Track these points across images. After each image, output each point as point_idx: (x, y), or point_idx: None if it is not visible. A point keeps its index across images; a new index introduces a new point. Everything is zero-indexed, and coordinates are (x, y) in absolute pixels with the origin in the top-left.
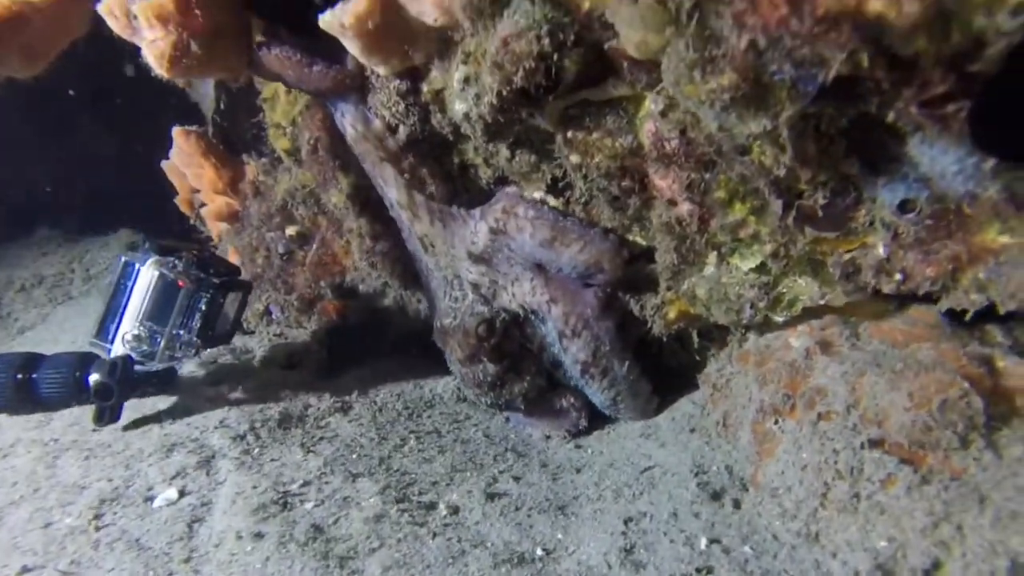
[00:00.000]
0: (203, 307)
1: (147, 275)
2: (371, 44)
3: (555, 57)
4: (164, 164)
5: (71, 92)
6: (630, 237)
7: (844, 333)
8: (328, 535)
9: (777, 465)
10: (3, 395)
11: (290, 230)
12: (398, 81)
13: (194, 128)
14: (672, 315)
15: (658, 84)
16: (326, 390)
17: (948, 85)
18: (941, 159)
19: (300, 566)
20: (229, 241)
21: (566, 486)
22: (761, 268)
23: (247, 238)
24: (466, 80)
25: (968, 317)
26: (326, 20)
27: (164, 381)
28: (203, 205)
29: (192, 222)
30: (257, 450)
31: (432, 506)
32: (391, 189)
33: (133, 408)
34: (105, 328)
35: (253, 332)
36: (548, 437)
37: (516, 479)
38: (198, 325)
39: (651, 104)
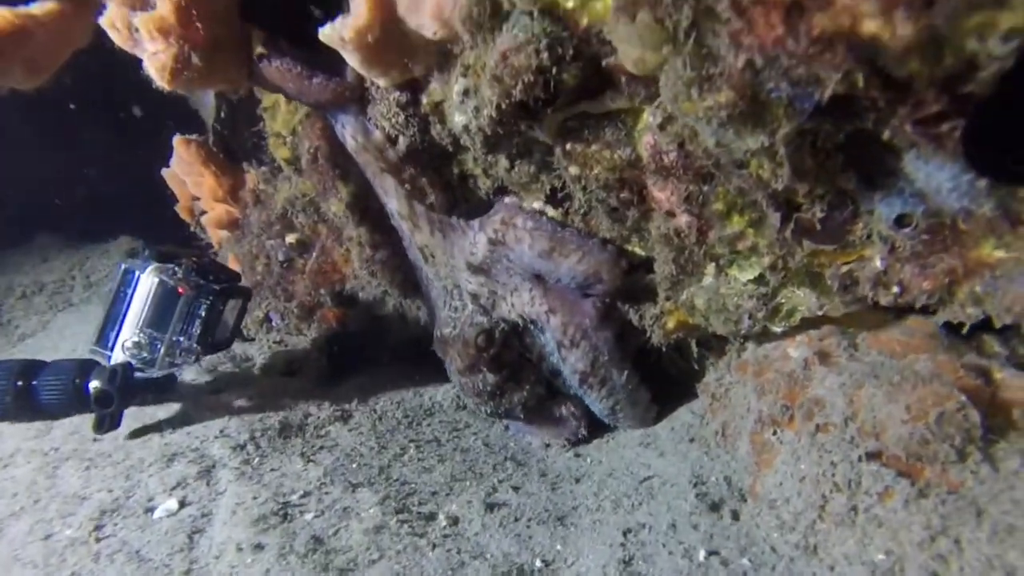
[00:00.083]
0: (203, 314)
1: (147, 282)
2: (371, 57)
3: (554, 71)
4: (164, 172)
5: (72, 106)
6: (629, 247)
7: (842, 343)
8: (328, 546)
9: (775, 476)
10: (2, 402)
11: (290, 238)
12: (398, 93)
13: (194, 137)
14: (671, 325)
15: (656, 98)
16: (326, 398)
17: (942, 105)
18: (936, 175)
19: None
20: (229, 248)
21: (565, 496)
22: (759, 279)
23: (247, 246)
24: (465, 93)
25: (965, 330)
26: (326, 34)
27: (164, 388)
28: (203, 213)
29: (192, 229)
30: (257, 460)
31: (432, 516)
32: (392, 199)
33: (133, 417)
34: (105, 335)
35: (253, 339)
36: (547, 445)
37: (515, 489)
38: (198, 332)
39: (649, 117)
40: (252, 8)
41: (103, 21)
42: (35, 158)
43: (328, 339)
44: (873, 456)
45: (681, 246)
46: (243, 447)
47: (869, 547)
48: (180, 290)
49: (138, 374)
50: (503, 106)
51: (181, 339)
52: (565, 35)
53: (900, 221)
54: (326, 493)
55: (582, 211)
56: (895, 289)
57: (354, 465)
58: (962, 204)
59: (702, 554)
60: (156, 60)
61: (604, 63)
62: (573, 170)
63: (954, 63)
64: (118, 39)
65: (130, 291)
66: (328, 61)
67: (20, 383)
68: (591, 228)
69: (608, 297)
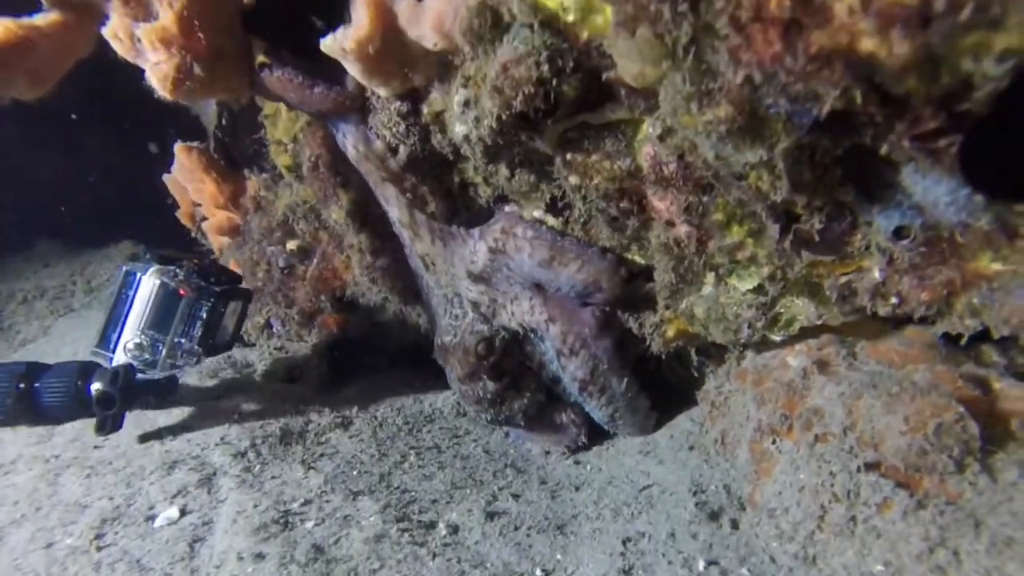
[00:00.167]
0: (204, 315)
1: (148, 284)
2: (372, 67)
3: (554, 82)
4: (165, 178)
5: (74, 116)
6: (629, 256)
7: (841, 353)
8: (329, 555)
9: (774, 486)
10: (4, 404)
11: (291, 244)
12: (399, 103)
13: (196, 144)
14: (671, 333)
15: (656, 110)
16: (326, 404)
17: (939, 121)
18: (934, 189)
19: None
20: (230, 255)
21: (565, 504)
22: (759, 289)
23: (248, 252)
24: (466, 103)
25: (963, 341)
26: (327, 44)
27: (166, 390)
28: (204, 219)
29: (193, 235)
30: (258, 467)
31: (432, 525)
32: (393, 208)
33: (134, 423)
34: (107, 337)
35: (254, 345)
36: (547, 452)
37: (515, 497)
38: (199, 333)
39: (649, 128)
40: (254, 18)
41: (106, 32)
42: (36, 164)
43: (329, 345)
44: (872, 467)
45: (681, 255)
46: (244, 454)
47: (868, 558)
48: (181, 292)
49: (140, 376)
50: (503, 117)
51: (182, 341)
52: (565, 47)
53: (898, 233)
54: (327, 501)
55: (582, 220)
56: (893, 300)
57: (355, 472)
58: (960, 218)
59: (701, 564)
60: (158, 70)
61: (604, 77)
62: (573, 180)
63: (950, 81)
64: (121, 49)
65: (132, 293)
66: (329, 70)
67: (22, 385)
68: (591, 237)
69: (608, 306)
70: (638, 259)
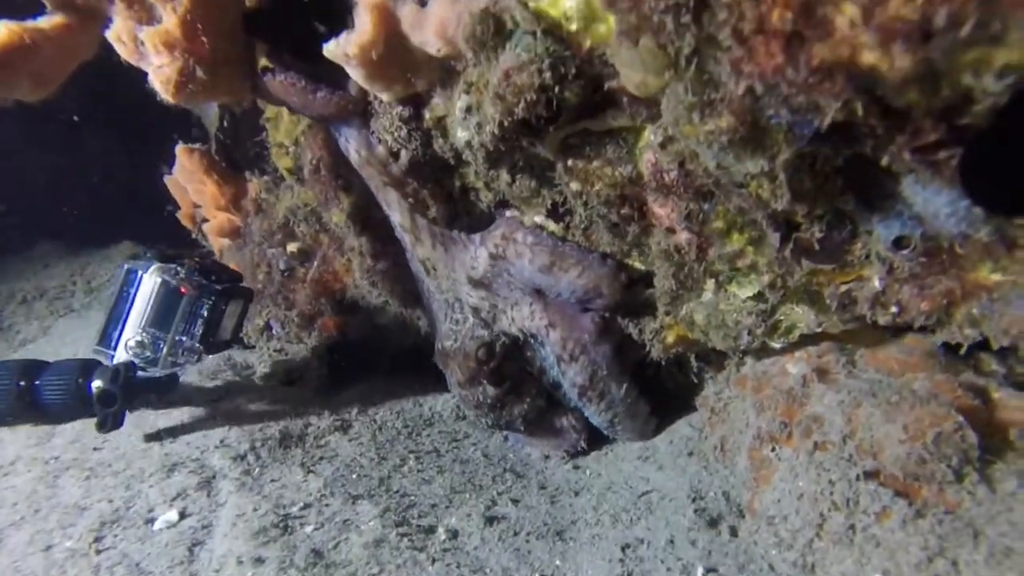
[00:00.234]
0: (205, 313)
1: (150, 282)
2: (374, 72)
3: (556, 89)
4: (167, 179)
5: (76, 118)
6: (629, 262)
7: (841, 360)
8: (328, 560)
9: (773, 493)
10: (5, 402)
11: (291, 247)
12: (401, 107)
13: (197, 146)
14: (670, 339)
15: (658, 118)
16: (326, 407)
17: (940, 134)
18: (934, 200)
19: None
20: (230, 256)
21: (564, 510)
22: (759, 296)
23: (248, 254)
24: (468, 109)
25: (963, 351)
26: (330, 49)
27: (167, 388)
28: (205, 220)
29: (194, 236)
30: (257, 470)
31: (431, 530)
32: (395, 212)
33: (135, 425)
34: (108, 335)
35: (254, 347)
36: (547, 457)
37: (515, 502)
38: (200, 331)
39: (651, 135)
40: (256, 22)
41: (110, 35)
42: (37, 164)
43: (328, 348)
44: (871, 475)
45: (681, 262)
46: (243, 457)
47: (867, 567)
48: (183, 290)
49: (141, 373)
50: (505, 123)
51: (184, 339)
52: (568, 55)
53: (898, 243)
54: (326, 505)
55: (583, 226)
56: (893, 309)
57: (354, 476)
58: (960, 229)
59: (700, 571)
60: (161, 74)
61: (606, 86)
62: (574, 186)
63: (951, 95)
64: (124, 53)
65: (133, 291)
66: (331, 74)
67: (23, 383)
68: (592, 242)
69: (608, 311)
70: (638, 265)
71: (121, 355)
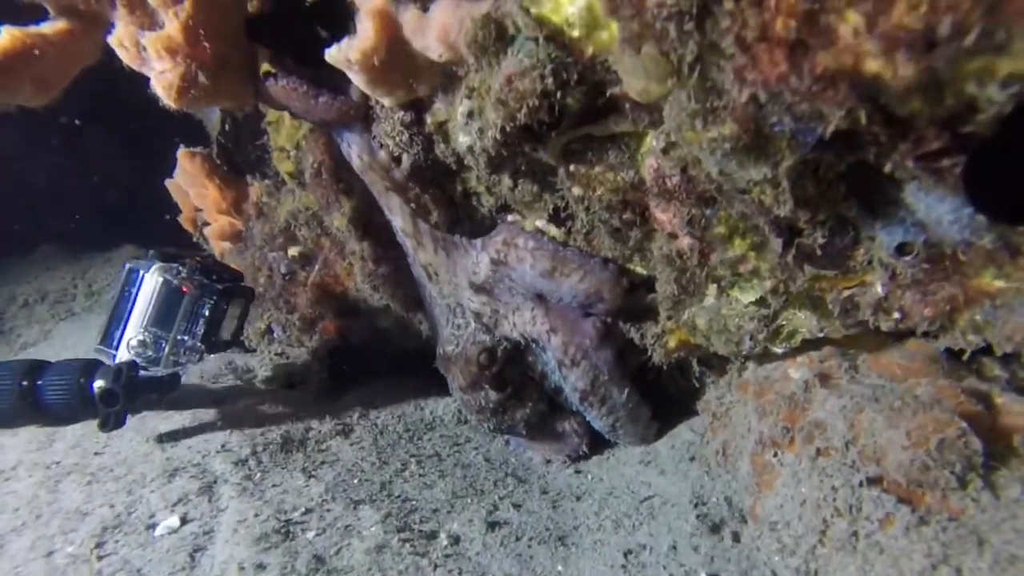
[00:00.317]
0: (207, 313)
1: (151, 281)
2: (376, 77)
3: (558, 95)
4: (168, 182)
5: (77, 121)
6: (631, 267)
7: (843, 365)
8: (330, 566)
9: (776, 499)
10: (8, 402)
11: (292, 251)
12: (402, 112)
13: (199, 150)
14: (672, 344)
15: (660, 123)
16: (327, 411)
17: (943, 142)
18: (937, 207)
19: None
20: (231, 260)
21: (566, 515)
22: (761, 302)
23: (250, 258)
24: (470, 115)
25: (966, 357)
26: (332, 55)
27: (169, 387)
28: (206, 224)
29: (195, 239)
30: (259, 475)
31: (433, 535)
32: (396, 217)
33: (136, 430)
34: (110, 334)
35: (255, 351)
36: (548, 461)
37: (517, 507)
38: (202, 331)
39: (653, 141)
40: (258, 27)
41: (112, 40)
42: (38, 167)
43: (330, 352)
44: (874, 481)
45: (683, 267)
46: (245, 462)
47: (870, 574)
48: (184, 289)
49: (143, 373)
50: (507, 129)
51: (185, 338)
52: (570, 61)
53: (901, 249)
54: (328, 510)
55: (585, 230)
56: (896, 315)
57: (355, 481)
58: (963, 236)
59: None
60: (163, 79)
61: (608, 93)
62: (576, 191)
63: (955, 104)
64: (126, 58)
65: (135, 290)
66: (333, 79)
67: (25, 383)
68: (593, 247)
69: (609, 316)
70: (640, 270)
71: (123, 354)
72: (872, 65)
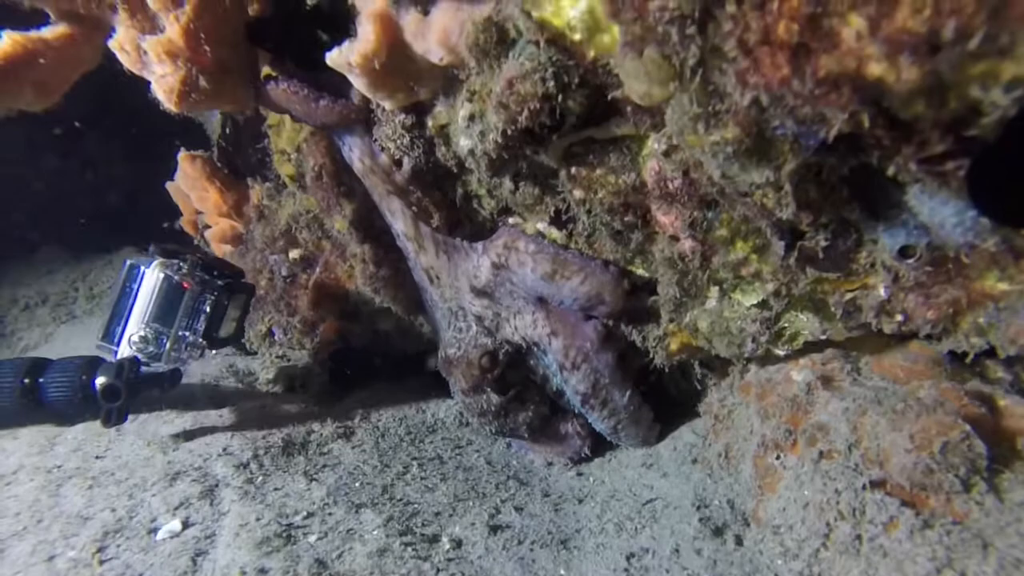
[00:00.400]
0: (208, 309)
1: (152, 277)
2: (377, 81)
3: (559, 98)
4: (168, 185)
5: (77, 124)
6: (632, 269)
7: (846, 368)
8: (332, 570)
9: (779, 502)
10: (10, 399)
11: (293, 253)
12: (403, 115)
13: (200, 153)
14: (674, 346)
15: (662, 126)
16: (329, 414)
17: (947, 145)
18: (940, 210)
19: None
20: (232, 262)
21: (568, 518)
22: (763, 304)
23: (251, 260)
24: (471, 118)
25: (969, 359)
26: (333, 58)
27: (170, 383)
28: (207, 227)
29: (196, 242)
30: (260, 479)
31: (435, 539)
32: (398, 221)
33: (137, 433)
34: (111, 331)
35: (256, 353)
36: (550, 464)
37: (519, 510)
38: (203, 327)
39: (654, 144)
40: (259, 31)
41: (112, 44)
42: (39, 170)
43: (331, 354)
44: (877, 484)
45: (685, 270)
46: (246, 465)
47: None
48: (185, 285)
49: (144, 369)
50: (509, 132)
51: (187, 334)
52: (571, 64)
53: (904, 252)
54: (329, 514)
55: (586, 233)
56: (899, 317)
57: (357, 484)
58: (966, 239)
59: None
60: (164, 83)
61: (610, 96)
62: (578, 193)
63: (958, 107)
64: (127, 62)
65: (135, 286)
66: (334, 83)
67: (27, 380)
68: (595, 250)
69: (610, 319)
70: (641, 272)
71: (125, 350)
72: (875, 69)
